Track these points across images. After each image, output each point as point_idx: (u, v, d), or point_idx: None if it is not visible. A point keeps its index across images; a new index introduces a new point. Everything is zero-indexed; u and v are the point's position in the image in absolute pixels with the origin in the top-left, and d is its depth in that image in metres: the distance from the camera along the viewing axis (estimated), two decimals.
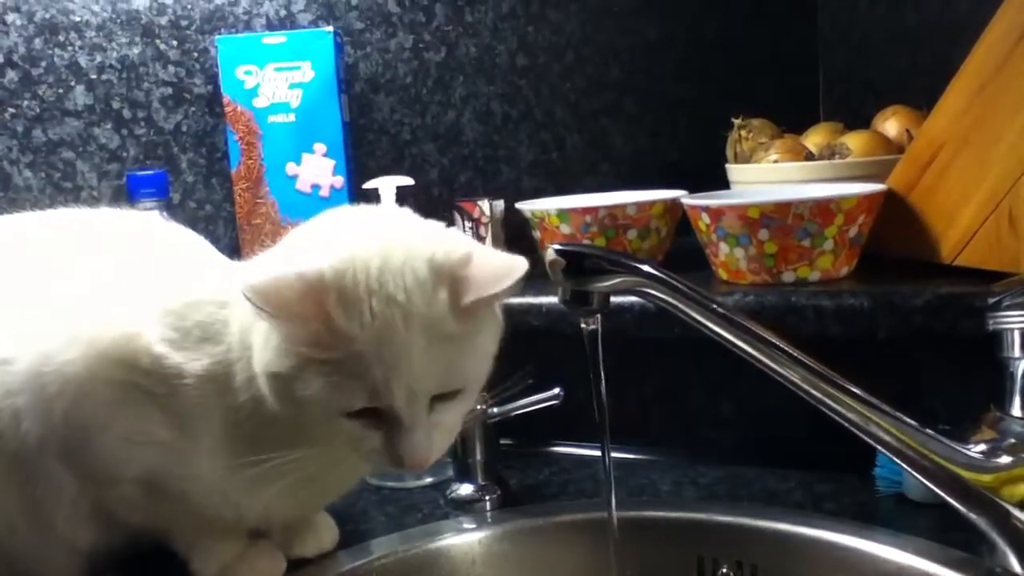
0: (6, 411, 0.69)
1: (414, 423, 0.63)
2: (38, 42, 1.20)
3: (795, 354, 0.68)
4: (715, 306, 0.68)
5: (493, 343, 0.68)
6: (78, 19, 1.21)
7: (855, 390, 0.68)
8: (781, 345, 0.68)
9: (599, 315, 0.71)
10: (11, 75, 1.19)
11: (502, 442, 0.98)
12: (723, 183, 1.20)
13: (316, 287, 0.61)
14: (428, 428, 0.64)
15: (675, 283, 0.68)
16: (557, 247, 0.68)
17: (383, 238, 0.65)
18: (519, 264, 0.63)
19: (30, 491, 0.71)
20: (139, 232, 0.79)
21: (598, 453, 1.03)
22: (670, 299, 0.69)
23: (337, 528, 0.85)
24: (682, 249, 1.13)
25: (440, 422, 0.65)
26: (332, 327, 0.60)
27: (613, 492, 0.76)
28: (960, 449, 0.69)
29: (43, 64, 1.20)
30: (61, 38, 1.20)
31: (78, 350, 0.69)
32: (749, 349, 0.69)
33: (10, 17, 1.19)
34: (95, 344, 0.69)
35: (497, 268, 0.64)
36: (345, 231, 0.67)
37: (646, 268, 0.68)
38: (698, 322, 0.69)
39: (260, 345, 0.64)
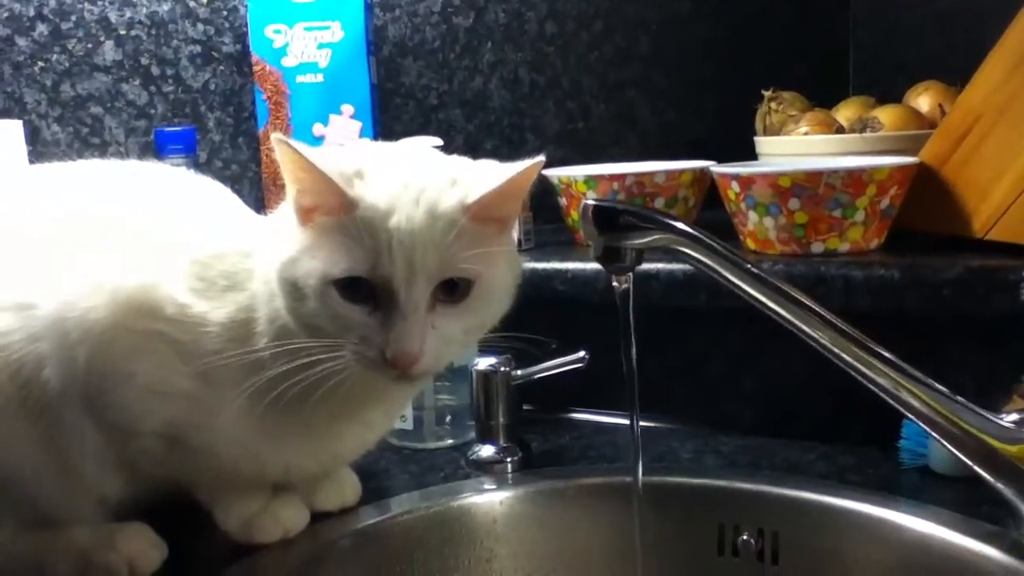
0: (30, 357, 0.69)
1: (409, 307, 0.62)
2: None
3: (828, 316, 0.67)
4: (749, 266, 0.68)
5: (510, 271, 0.69)
6: None
7: (887, 355, 0.68)
8: (813, 306, 0.68)
9: (631, 273, 0.71)
10: (41, 28, 1.19)
11: (524, 408, 0.98)
12: (750, 159, 1.19)
13: (342, 177, 0.63)
14: (424, 322, 0.63)
15: (709, 241, 0.67)
16: (592, 202, 0.67)
17: (420, 155, 0.70)
18: (520, 164, 0.64)
19: (56, 440, 0.71)
20: (167, 183, 0.79)
21: (618, 420, 1.04)
22: (703, 257, 0.68)
23: (360, 484, 0.85)
24: (708, 221, 1.12)
25: (439, 325, 0.64)
26: (340, 193, 0.62)
27: (640, 453, 0.76)
28: (991, 418, 0.69)
29: (73, 18, 1.20)
30: None
31: (102, 297, 0.68)
32: (781, 310, 0.68)
33: None
34: (119, 292, 0.69)
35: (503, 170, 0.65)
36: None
37: (680, 225, 0.68)
38: (730, 282, 0.68)
39: (275, 246, 0.66)
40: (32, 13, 1.18)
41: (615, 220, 0.68)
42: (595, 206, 0.67)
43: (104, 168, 0.80)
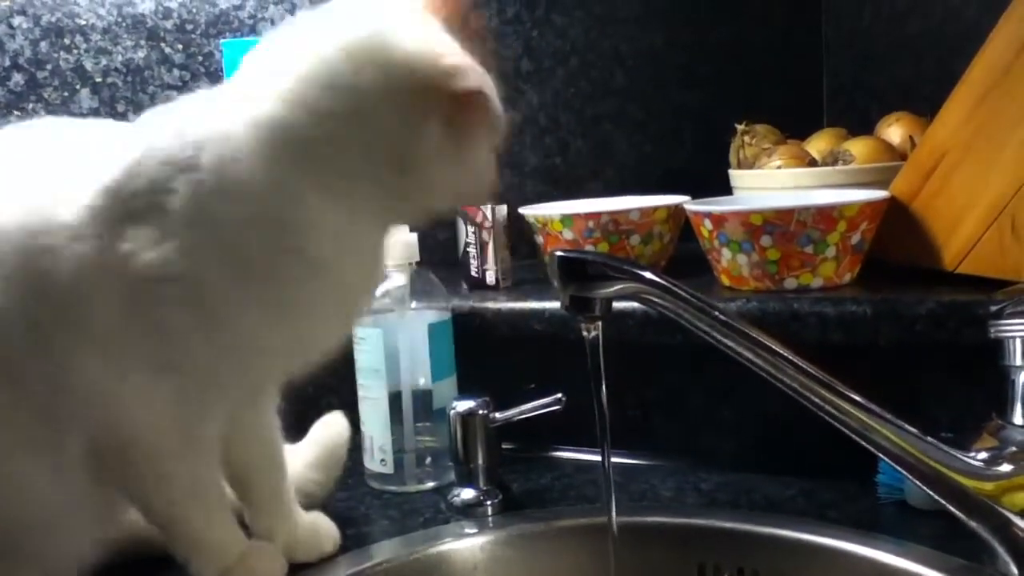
0: None
1: None
2: (44, 45, 1.20)
3: (797, 361, 0.68)
4: (717, 313, 0.68)
5: None
6: (84, 22, 1.21)
7: (856, 397, 0.68)
8: (782, 352, 0.68)
9: (600, 322, 0.71)
10: (17, 78, 1.20)
11: (504, 447, 0.98)
12: (727, 189, 1.20)
13: None
14: None
15: (676, 289, 0.68)
16: (560, 253, 0.68)
17: None
18: None
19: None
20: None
21: (599, 458, 1.04)
22: (671, 306, 0.69)
23: (338, 532, 0.85)
24: (685, 255, 1.13)
25: None
26: None
27: (613, 500, 0.76)
28: (961, 457, 0.69)
29: (49, 67, 1.21)
30: (67, 41, 1.21)
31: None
32: (750, 356, 0.69)
33: (16, 20, 1.20)
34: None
35: None
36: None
37: (647, 275, 0.68)
38: (699, 329, 0.69)
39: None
40: (7, 63, 1.19)
41: (583, 270, 0.68)
42: (562, 257, 0.68)
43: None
